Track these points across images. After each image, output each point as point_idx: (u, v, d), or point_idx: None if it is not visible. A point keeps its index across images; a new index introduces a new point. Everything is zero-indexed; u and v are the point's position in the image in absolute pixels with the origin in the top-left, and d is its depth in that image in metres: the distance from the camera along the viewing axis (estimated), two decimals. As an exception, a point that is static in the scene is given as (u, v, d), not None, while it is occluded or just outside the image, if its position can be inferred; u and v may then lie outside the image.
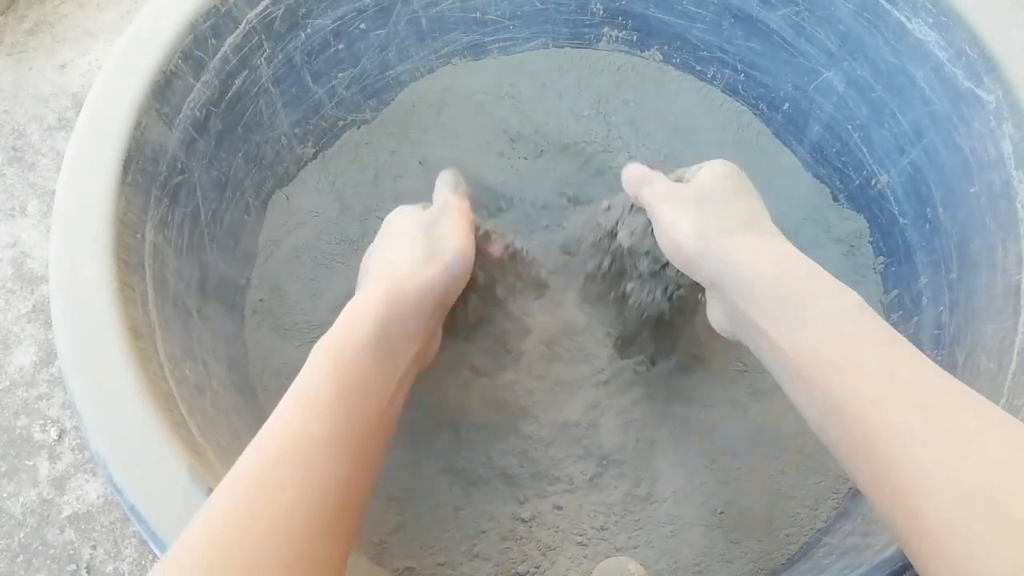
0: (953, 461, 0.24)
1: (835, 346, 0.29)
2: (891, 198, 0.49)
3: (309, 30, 0.49)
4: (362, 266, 0.40)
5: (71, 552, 0.52)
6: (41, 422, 0.56)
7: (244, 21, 0.45)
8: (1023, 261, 0.37)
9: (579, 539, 0.44)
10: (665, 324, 0.44)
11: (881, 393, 0.27)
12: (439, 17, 0.54)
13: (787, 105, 0.53)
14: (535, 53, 0.57)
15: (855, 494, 0.43)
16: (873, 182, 0.50)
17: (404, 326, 0.34)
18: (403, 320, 0.34)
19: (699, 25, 0.53)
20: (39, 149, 0.66)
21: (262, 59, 0.47)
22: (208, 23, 0.43)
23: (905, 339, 0.29)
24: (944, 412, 0.26)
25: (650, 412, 0.47)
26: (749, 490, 0.45)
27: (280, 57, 0.48)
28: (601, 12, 0.55)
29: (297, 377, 0.31)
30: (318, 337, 0.32)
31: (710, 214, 0.35)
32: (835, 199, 0.53)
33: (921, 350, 0.28)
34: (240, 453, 0.28)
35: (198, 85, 0.43)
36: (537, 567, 0.43)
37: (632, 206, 0.42)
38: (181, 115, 0.42)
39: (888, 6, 0.44)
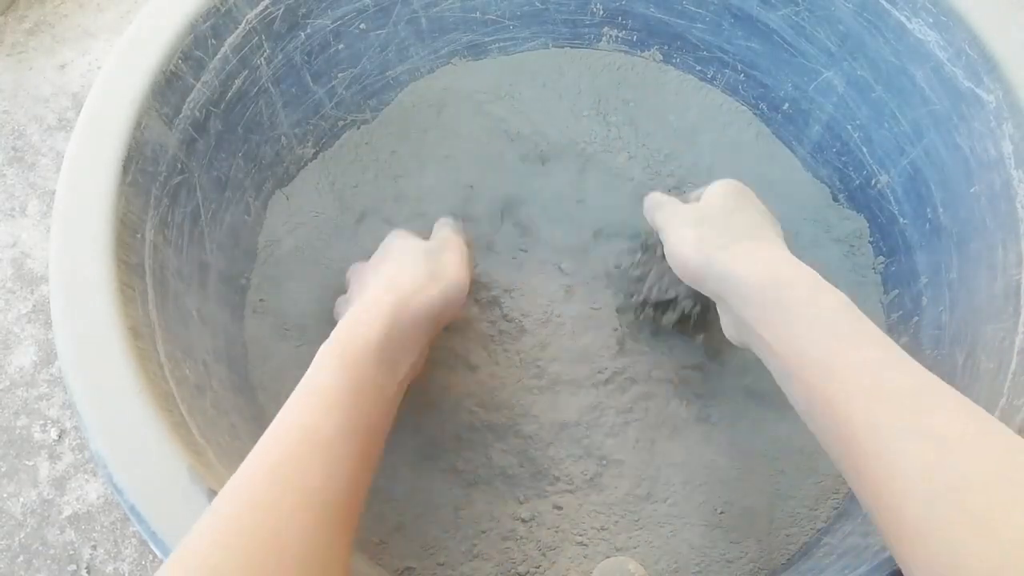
0: (929, 464, 0.24)
1: (820, 347, 0.30)
2: (891, 198, 0.49)
3: (309, 30, 0.49)
4: (353, 277, 0.42)
5: (71, 552, 0.52)
6: (41, 422, 0.56)
7: (244, 21, 0.45)
8: (1023, 261, 0.37)
9: (579, 539, 0.44)
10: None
11: (864, 393, 0.27)
12: (439, 17, 0.54)
13: (787, 105, 0.53)
14: (535, 53, 0.57)
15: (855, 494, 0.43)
16: (873, 182, 0.50)
17: (405, 336, 0.36)
18: (405, 330, 0.36)
19: (699, 25, 0.53)
20: (39, 149, 0.66)
21: (262, 59, 0.47)
22: (208, 23, 0.43)
23: (891, 340, 0.29)
24: (924, 412, 0.26)
25: (650, 412, 0.47)
26: (749, 490, 0.45)
27: (280, 57, 0.48)
28: (601, 12, 0.55)
29: (303, 379, 0.32)
30: (318, 337, 0.32)
31: (711, 229, 0.37)
32: (835, 199, 0.53)
33: (921, 350, 0.28)
34: (240, 453, 0.28)
35: (198, 85, 0.43)
36: (537, 567, 0.43)
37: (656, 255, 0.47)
38: (181, 115, 0.42)
39: (888, 6, 0.44)
